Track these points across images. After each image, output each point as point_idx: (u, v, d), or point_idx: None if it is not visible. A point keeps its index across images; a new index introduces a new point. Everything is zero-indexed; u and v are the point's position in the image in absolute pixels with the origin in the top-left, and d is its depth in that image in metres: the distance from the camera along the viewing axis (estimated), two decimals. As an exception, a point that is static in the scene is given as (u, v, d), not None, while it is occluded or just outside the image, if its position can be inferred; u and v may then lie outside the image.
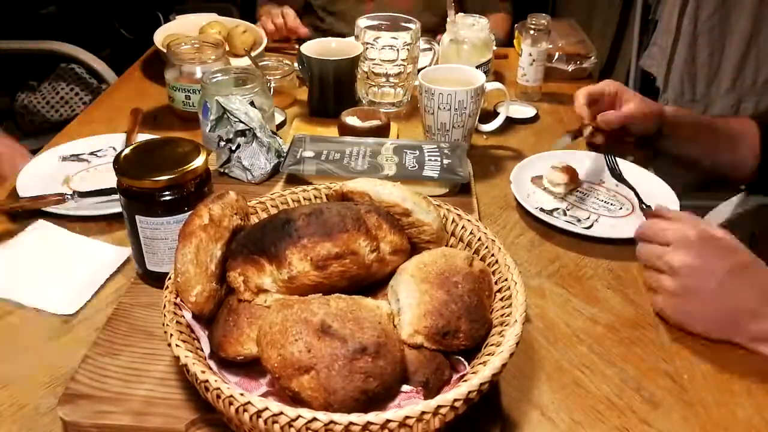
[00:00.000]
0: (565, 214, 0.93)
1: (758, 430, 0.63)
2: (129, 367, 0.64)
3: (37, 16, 2.01)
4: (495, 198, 0.98)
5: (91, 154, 1.05)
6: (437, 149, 0.97)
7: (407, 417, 0.48)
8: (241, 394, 0.49)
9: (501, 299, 0.63)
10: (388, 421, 0.48)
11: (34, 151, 1.05)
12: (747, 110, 2.00)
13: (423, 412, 0.49)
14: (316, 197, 0.75)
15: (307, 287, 0.60)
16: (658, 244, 0.74)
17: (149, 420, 0.59)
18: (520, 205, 0.94)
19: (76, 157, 1.04)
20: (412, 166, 0.93)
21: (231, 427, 0.58)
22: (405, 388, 0.56)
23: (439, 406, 0.49)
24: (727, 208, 1.18)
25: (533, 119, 1.23)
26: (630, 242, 0.86)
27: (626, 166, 1.03)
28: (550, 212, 0.92)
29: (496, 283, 0.65)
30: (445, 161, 0.94)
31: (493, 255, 0.67)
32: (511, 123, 1.20)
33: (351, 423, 0.47)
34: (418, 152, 0.96)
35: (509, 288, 0.62)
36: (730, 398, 0.66)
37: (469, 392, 0.50)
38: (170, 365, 0.64)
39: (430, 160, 0.94)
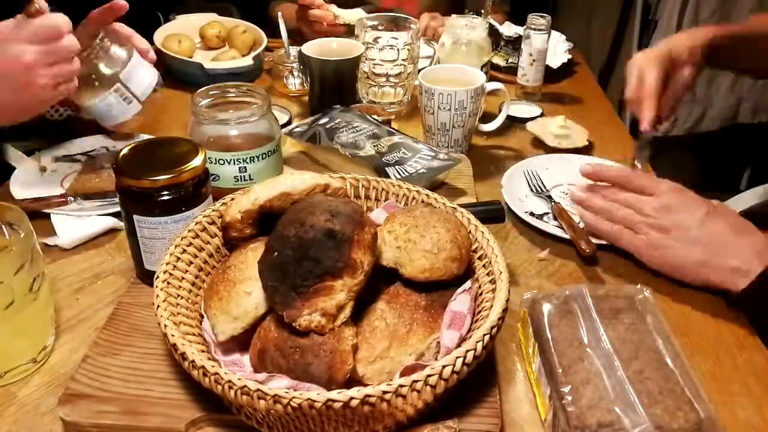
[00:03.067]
0: (555, 219, 0.92)
1: (758, 430, 0.63)
2: (129, 367, 0.64)
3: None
4: (495, 198, 0.98)
5: (84, 154, 1.05)
6: (429, 156, 0.95)
7: (414, 382, 0.51)
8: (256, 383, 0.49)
9: (483, 266, 0.67)
10: (401, 385, 0.51)
11: (34, 151, 1.05)
12: (747, 110, 2.00)
13: (428, 375, 0.52)
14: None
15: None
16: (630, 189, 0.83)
17: (149, 420, 0.59)
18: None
19: (70, 158, 1.04)
20: (388, 160, 0.94)
21: (240, 417, 0.58)
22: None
23: (444, 366, 0.53)
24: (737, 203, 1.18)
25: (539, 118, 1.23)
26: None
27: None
28: (540, 217, 0.92)
29: (475, 251, 0.69)
30: (418, 169, 0.92)
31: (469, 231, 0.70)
32: (515, 122, 1.20)
33: (366, 395, 0.51)
34: (410, 153, 0.96)
35: (486, 254, 0.67)
36: (730, 398, 0.66)
37: (477, 342, 0.54)
38: (170, 365, 0.64)
39: (414, 161, 0.94)
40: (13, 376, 0.66)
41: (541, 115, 1.24)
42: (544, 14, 1.24)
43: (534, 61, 1.25)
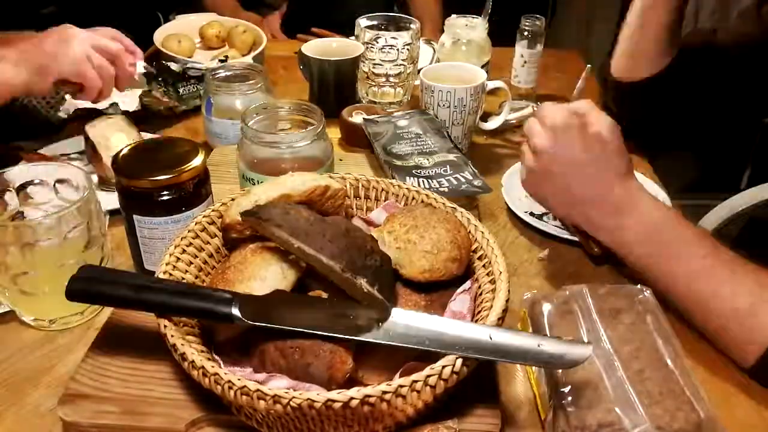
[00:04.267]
0: (556, 219, 0.92)
1: (758, 430, 0.63)
2: (129, 367, 0.64)
3: (37, 16, 2.01)
4: (495, 198, 0.98)
5: (81, 153, 1.05)
6: (466, 179, 0.91)
7: (414, 382, 0.51)
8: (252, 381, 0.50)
9: (483, 266, 0.67)
10: (400, 386, 0.51)
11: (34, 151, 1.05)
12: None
13: (428, 376, 0.51)
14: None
15: None
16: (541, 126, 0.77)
17: (149, 420, 0.59)
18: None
19: (66, 156, 1.04)
20: (417, 173, 0.90)
21: (240, 417, 0.58)
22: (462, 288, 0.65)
23: (444, 366, 0.52)
24: (722, 210, 1.18)
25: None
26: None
27: None
28: (539, 217, 0.92)
29: (475, 251, 0.68)
30: (442, 185, 0.89)
31: (468, 230, 0.69)
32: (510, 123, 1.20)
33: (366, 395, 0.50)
34: (451, 171, 0.92)
35: (486, 254, 0.66)
36: (730, 398, 0.66)
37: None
38: (170, 365, 0.64)
39: (445, 179, 0.91)
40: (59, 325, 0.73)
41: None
42: (538, 15, 1.23)
43: (525, 62, 1.25)
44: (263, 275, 0.62)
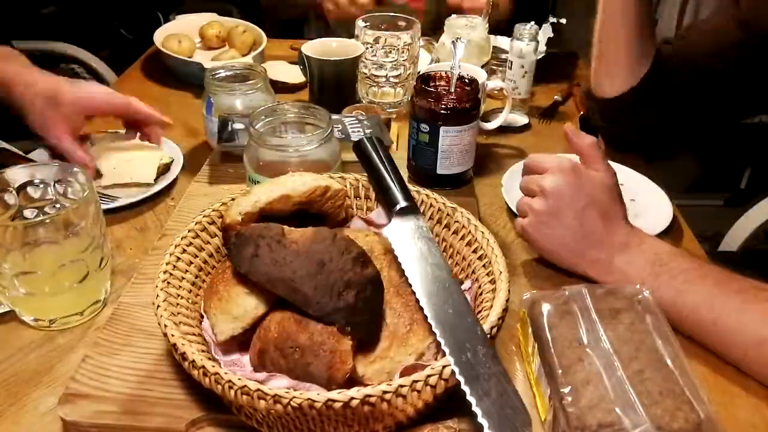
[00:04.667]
0: None
1: (758, 430, 0.63)
2: (129, 367, 0.64)
3: (37, 16, 2.01)
4: (495, 198, 0.98)
5: None
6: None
7: (414, 382, 0.51)
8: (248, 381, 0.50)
9: (483, 266, 0.67)
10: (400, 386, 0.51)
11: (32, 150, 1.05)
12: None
13: (428, 376, 0.52)
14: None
15: None
16: (537, 173, 0.80)
17: (149, 420, 0.59)
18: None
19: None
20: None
21: (240, 417, 0.58)
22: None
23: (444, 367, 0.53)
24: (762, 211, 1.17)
25: (525, 128, 1.21)
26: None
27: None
28: None
29: (475, 251, 0.70)
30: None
31: (461, 224, 0.71)
32: (503, 131, 1.18)
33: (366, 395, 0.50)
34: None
35: (486, 254, 0.67)
36: (730, 398, 0.66)
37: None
38: (170, 365, 0.64)
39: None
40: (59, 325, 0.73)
41: (528, 125, 1.23)
42: (534, 23, 1.21)
43: (526, 73, 1.22)
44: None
